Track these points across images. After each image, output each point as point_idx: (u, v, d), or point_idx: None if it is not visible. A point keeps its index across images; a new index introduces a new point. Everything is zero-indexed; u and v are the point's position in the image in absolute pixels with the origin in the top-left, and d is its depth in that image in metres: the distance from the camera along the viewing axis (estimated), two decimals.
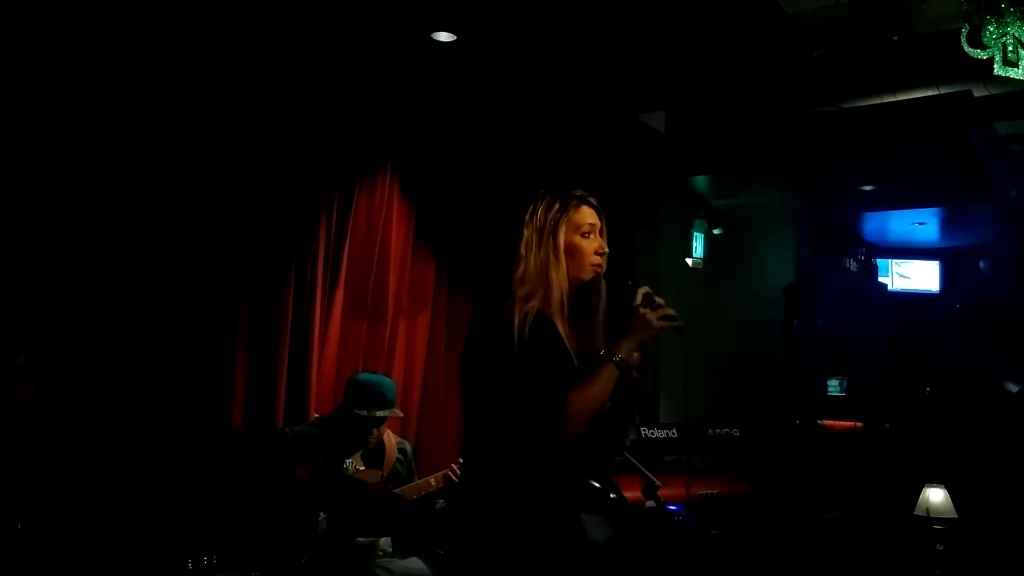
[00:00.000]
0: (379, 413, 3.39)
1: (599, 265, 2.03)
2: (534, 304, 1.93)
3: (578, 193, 2.08)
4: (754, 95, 4.99)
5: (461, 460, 3.40)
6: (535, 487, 1.90)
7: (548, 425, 1.85)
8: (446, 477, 3.39)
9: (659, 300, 1.96)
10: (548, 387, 1.86)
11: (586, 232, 2.03)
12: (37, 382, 3.08)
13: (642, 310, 1.94)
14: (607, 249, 2.05)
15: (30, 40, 3.19)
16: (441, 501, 3.60)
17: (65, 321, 3.29)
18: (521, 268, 1.99)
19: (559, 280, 1.97)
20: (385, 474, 3.45)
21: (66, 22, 3.24)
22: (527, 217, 2.05)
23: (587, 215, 2.04)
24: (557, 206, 2.03)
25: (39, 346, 3.14)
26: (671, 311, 1.94)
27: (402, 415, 3.70)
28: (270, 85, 3.87)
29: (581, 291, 2.04)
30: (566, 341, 1.96)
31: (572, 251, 2.01)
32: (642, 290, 1.96)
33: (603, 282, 2.06)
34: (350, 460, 3.45)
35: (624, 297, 1.99)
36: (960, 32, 3.74)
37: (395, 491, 3.42)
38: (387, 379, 3.57)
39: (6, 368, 3.04)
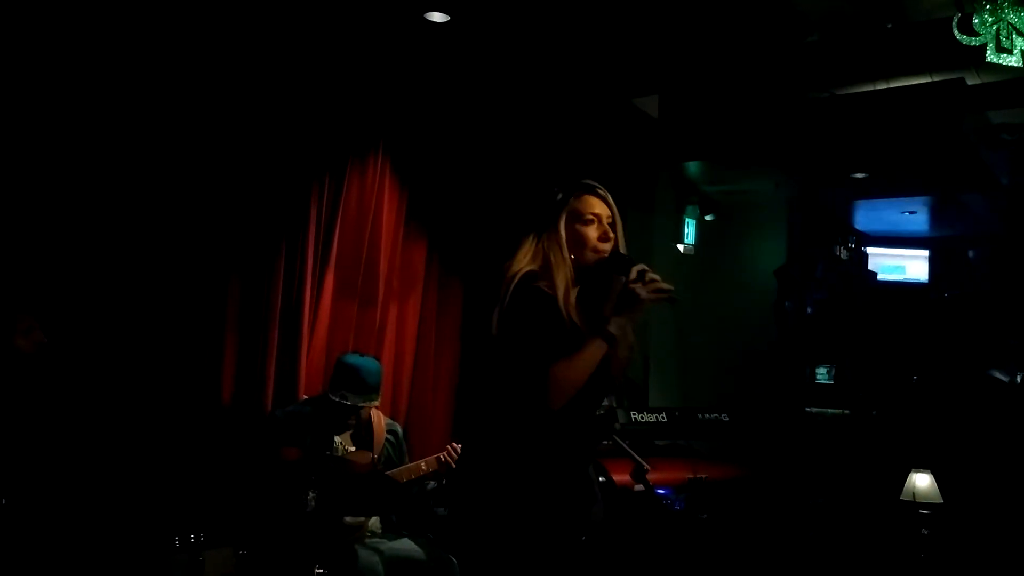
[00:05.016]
0: (349, 403, 3.36)
1: (602, 251, 2.04)
2: (529, 274, 1.99)
3: (584, 183, 2.10)
4: (748, 81, 4.98)
5: (453, 444, 3.43)
6: (526, 454, 1.94)
7: (532, 393, 1.89)
8: (438, 460, 3.40)
9: (652, 276, 1.96)
10: (532, 355, 1.90)
11: (588, 220, 2.05)
12: (39, 333, 3.04)
13: (632, 285, 1.95)
14: (612, 235, 2.06)
15: (27, 25, 3.15)
16: (432, 483, 3.61)
17: (59, 300, 3.26)
18: (522, 255, 2.04)
19: (565, 269, 2.00)
20: (375, 455, 3.45)
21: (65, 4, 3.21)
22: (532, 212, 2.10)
23: (591, 204, 2.06)
24: (560, 196, 2.08)
25: (43, 311, 3.10)
26: (665, 285, 1.95)
27: (377, 405, 3.52)
28: (262, 65, 3.83)
29: (592, 277, 2.05)
30: (572, 320, 1.96)
31: (574, 239, 2.04)
32: (637, 267, 1.97)
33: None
34: (339, 441, 3.45)
35: (618, 270, 2.01)
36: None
37: (387, 473, 3.42)
38: (373, 362, 3.52)
39: (8, 326, 3.00)
